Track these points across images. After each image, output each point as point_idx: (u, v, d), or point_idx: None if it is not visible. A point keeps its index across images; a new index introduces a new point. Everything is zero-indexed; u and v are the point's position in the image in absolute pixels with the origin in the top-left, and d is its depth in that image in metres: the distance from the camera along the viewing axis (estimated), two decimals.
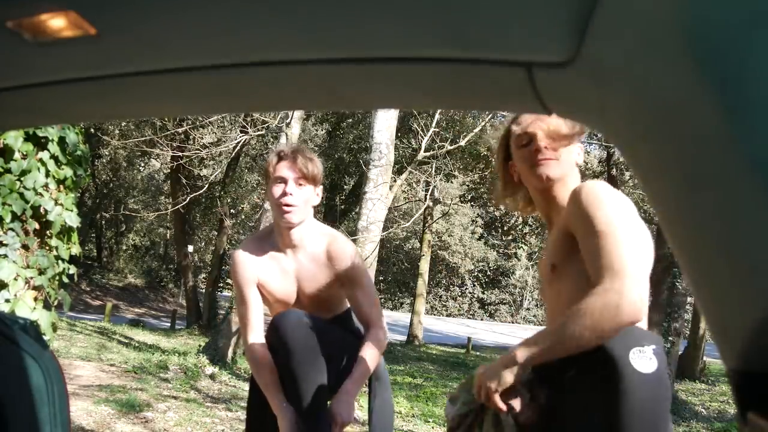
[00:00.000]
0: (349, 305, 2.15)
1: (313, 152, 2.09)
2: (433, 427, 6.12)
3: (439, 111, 9.41)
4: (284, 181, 1.98)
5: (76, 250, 3.63)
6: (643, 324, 1.32)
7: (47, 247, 3.43)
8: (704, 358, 12.70)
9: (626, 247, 1.26)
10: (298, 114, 9.22)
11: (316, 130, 16.78)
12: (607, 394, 1.26)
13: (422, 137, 9.29)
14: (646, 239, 1.33)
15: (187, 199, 11.89)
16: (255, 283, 2.06)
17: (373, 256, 7.21)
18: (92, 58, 0.59)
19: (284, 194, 1.97)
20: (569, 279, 1.40)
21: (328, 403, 1.94)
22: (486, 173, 14.97)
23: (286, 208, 1.96)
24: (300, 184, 1.99)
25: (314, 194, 2.04)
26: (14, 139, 3.22)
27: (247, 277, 2.05)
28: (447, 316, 31.77)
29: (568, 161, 1.53)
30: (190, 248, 16.95)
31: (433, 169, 12.84)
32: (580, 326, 1.23)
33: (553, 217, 1.54)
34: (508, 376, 1.34)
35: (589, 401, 1.30)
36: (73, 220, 3.50)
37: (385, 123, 7.44)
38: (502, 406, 1.36)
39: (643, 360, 1.27)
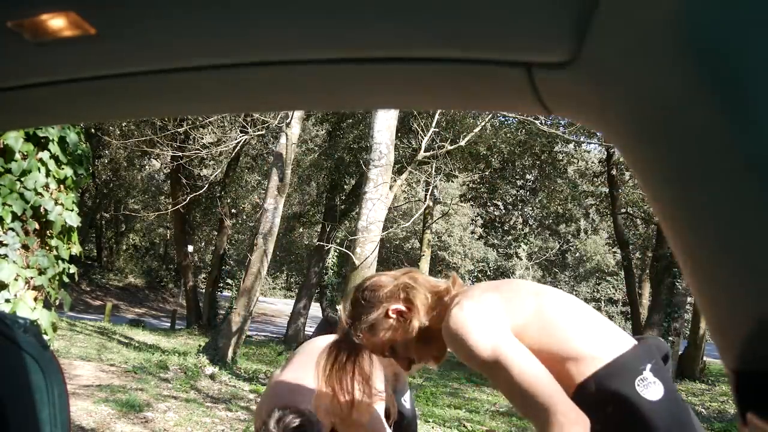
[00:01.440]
0: None
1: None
2: (433, 427, 6.12)
3: (439, 111, 9.41)
4: None
5: (76, 250, 3.63)
6: (608, 352, 1.26)
7: (47, 247, 3.43)
8: (704, 358, 12.70)
9: (530, 384, 1.16)
10: (298, 114, 9.22)
11: (316, 130, 16.78)
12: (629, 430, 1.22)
13: (422, 137, 9.29)
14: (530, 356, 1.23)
15: (187, 199, 11.90)
16: None
17: (373, 256, 7.21)
18: (92, 58, 0.59)
19: None
20: None
21: None
22: (486, 173, 14.98)
23: None
24: None
25: None
26: (14, 139, 3.22)
27: None
28: None
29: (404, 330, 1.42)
30: (190, 248, 16.96)
31: (433, 169, 12.84)
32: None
33: None
34: None
35: None
36: (73, 220, 3.50)
37: (385, 123, 7.44)
38: None
39: (649, 387, 1.23)
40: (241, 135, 10.65)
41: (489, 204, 17.00)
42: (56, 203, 3.43)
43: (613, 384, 1.23)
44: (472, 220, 22.67)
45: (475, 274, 31.89)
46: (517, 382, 1.17)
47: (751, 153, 0.36)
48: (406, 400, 2.19)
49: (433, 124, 9.42)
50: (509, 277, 32.18)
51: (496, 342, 1.21)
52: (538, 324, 1.28)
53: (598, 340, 1.29)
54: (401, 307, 1.43)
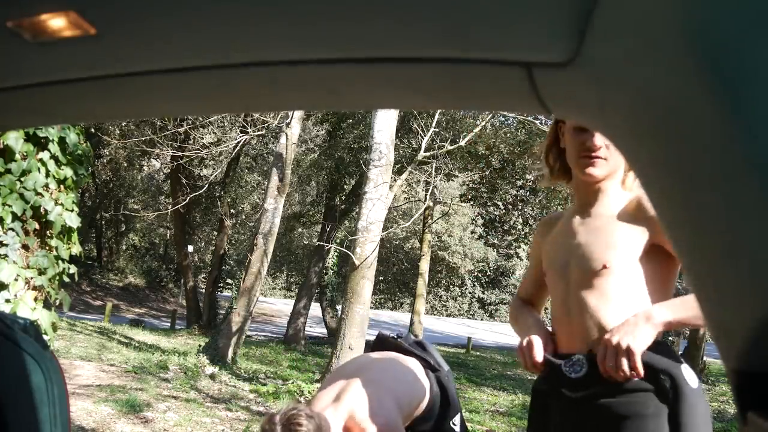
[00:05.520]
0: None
1: None
2: None
3: (439, 111, 9.40)
4: None
5: (76, 250, 3.63)
6: None
7: (47, 248, 3.43)
8: (704, 358, 12.68)
9: None
10: (298, 114, 9.22)
11: (317, 130, 16.77)
12: (670, 403, 1.32)
13: (422, 137, 9.29)
14: None
15: (187, 199, 11.90)
16: None
17: (373, 256, 7.21)
18: (92, 58, 0.59)
19: None
20: (625, 279, 1.44)
21: None
22: (486, 173, 14.97)
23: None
24: None
25: None
26: (14, 139, 3.22)
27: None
28: (447, 316, 31.77)
29: (617, 156, 1.50)
30: (190, 248, 16.95)
31: (433, 169, 12.83)
32: None
33: (592, 207, 1.56)
34: (651, 336, 1.34)
35: (649, 410, 1.34)
36: (73, 220, 3.50)
37: (385, 123, 7.43)
38: (641, 371, 1.34)
39: (690, 375, 1.33)
40: (241, 135, 10.64)
41: (489, 204, 16.97)
42: (56, 203, 3.43)
43: None
44: (472, 220, 22.66)
45: (475, 273, 31.85)
46: None
47: (751, 153, 0.36)
48: (456, 424, 2.22)
49: (433, 124, 9.42)
50: (509, 278, 32.27)
51: None
52: None
53: None
54: None
